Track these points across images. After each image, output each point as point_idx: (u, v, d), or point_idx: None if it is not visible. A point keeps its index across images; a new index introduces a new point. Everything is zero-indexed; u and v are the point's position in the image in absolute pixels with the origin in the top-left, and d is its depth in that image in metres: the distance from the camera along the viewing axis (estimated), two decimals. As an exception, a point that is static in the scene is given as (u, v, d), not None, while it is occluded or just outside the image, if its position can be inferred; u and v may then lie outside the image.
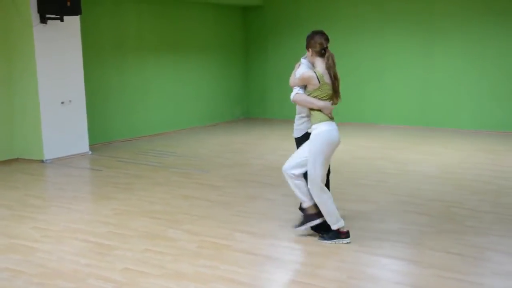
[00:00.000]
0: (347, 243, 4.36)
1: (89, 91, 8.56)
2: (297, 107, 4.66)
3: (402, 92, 10.82)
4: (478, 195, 5.81)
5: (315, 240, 4.46)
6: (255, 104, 12.19)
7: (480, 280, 3.70)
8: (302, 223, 4.55)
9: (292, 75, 4.58)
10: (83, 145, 8.31)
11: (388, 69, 10.92)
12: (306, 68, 4.49)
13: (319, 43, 4.37)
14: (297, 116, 4.73)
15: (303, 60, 4.62)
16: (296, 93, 4.47)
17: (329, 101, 4.42)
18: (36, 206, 5.61)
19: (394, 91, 10.90)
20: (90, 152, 8.38)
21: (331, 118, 4.46)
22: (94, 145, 8.79)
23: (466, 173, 6.84)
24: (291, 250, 4.31)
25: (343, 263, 3.99)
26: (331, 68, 4.39)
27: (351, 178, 6.64)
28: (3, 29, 7.66)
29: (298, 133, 4.75)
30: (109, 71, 9.35)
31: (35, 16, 7.48)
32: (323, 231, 4.48)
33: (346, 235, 4.40)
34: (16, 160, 7.90)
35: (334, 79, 4.42)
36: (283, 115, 11.87)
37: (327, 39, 4.42)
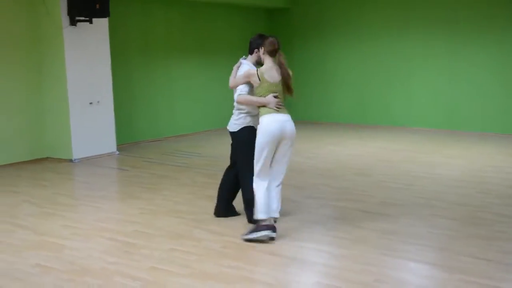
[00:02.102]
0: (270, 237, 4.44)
1: (116, 91, 8.69)
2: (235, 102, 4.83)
3: (429, 96, 10.71)
4: (505, 199, 5.72)
5: (341, 243, 4.45)
6: (280, 106, 12.22)
7: (509, 286, 3.64)
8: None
9: (232, 76, 4.78)
10: (111, 145, 8.44)
11: (414, 72, 10.82)
12: (248, 68, 4.73)
13: (271, 43, 4.62)
14: (235, 111, 4.89)
15: (243, 61, 4.86)
16: (239, 94, 4.69)
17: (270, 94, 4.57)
18: (64, 204, 5.72)
19: (421, 95, 10.79)
20: (117, 152, 8.50)
21: (279, 110, 4.56)
22: (121, 145, 8.92)
23: (492, 177, 6.73)
24: (317, 252, 4.30)
25: (369, 266, 3.96)
26: (281, 66, 4.62)
27: (378, 181, 6.59)
28: (34, 31, 7.84)
29: (234, 128, 4.90)
30: (136, 72, 9.47)
31: (65, 18, 7.63)
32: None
33: (267, 227, 4.45)
34: (46, 159, 8.07)
35: (287, 76, 4.62)
36: (308, 116, 11.85)
37: (278, 42, 4.67)
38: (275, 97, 4.54)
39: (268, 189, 4.52)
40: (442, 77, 10.53)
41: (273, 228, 4.47)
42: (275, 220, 4.59)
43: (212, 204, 5.54)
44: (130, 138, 9.36)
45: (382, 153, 8.43)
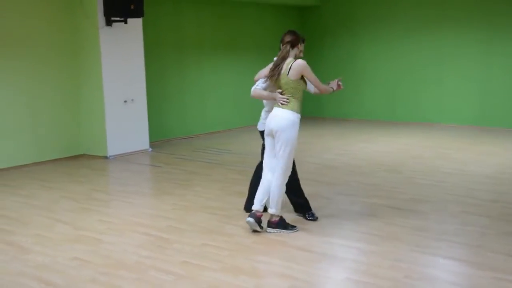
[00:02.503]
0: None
1: (149, 90, 8.85)
2: (264, 101, 4.92)
3: (461, 92, 10.56)
4: (541, 197, 5.63)
5: (371, 239, 4.47)
6: (310, 103, 12.18)
7: (542, 284, 3.61)
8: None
9: (263, 70, 4.80)
10: (144, 142, 8.61)
11: (447, 68, 10.67)
12: None
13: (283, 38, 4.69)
14: (263, 110, 5.00)
15: (275, 59, 4.80)
16: (254, 88, 4.78)
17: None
18: (100, 199, 5.89)
19: (453, 90, 10.65)
20: (150, 149, 8.67)
21: (281, 106, 4.59)
22: (153, 142, 9.09)
23: (529, 174, 6.62)
24: (346, 248, 4.33)
25: (399, 262, 3.97)
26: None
27: (409, 177, 6.57)
28: (72, 31, 8.06)
29: (262, 127, 4.97)
30: (169, 70, 9.63)
31: (101, 19, 7.82)
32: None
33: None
34: (82, 156, 8.29)
35: (271, 69, 4.65)
36: (339, 113, 11.83)
37: (291, 36, 4.68)
38: (280, 93, 4.59)
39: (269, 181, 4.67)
40: (474, 73, 10.36)
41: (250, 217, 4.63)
42: (256, 212, 4.65)
43: (242, 200, 5.62)
44: (162, 135, 9.53)
45: (413, 149, 8.37)
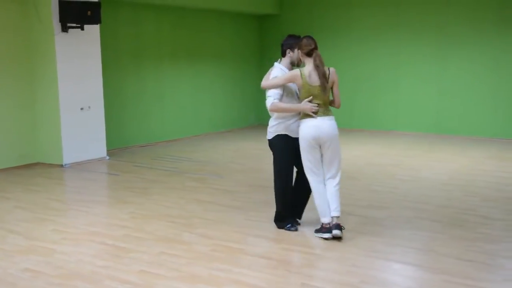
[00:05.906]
0: (326, 238, 4.63)
1: (107, 97, 8.73)
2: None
3: (417, 100, 10.84)
4: (489, 202, 5.83)
5: (327, 245, 4.53)
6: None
7: (492, 286, 3.74)
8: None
9: (265, 78, 4.75)
10: (101, 150, 8.48)
11: (402, 76, 10.95)
12: (279, 71, 4.73)
13: (306, 44, 4.62)
14: (271, 119, 4.90)
15: (275, 64, 4.86)
16: (272, 102, 4.63)
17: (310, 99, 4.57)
18: (55, 209, 5.76)
19: (409, 99, 10.93)
20: (108, 157, 8.54)
21: (314, 115, 4.56)
22: (111, 150, 8.96)
23: (478, 180, 6.85)
24: (304, 255, 4.37)
25: (355, 267, 4.04)
26: (318, 67, 4.56)
27: (365, 184, 6.69)
28: (26, 37, 7.87)
29: (268, 135, 4.93)
30: (127, 78, 9.52)
31: (56, 25, 7.67)
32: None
33: (327, 230, 4.62)
34: (37, 164, 8.09)
35: (323, 77, 4.56)
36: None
37: (314, 40, 4.65)
38: (310, 101, 4.54)
39: (323, 192, 4.64)
40: (429, 81, 10.66)
41: (330, 230, 4.59)
42: (337, 217, 4.64)
43: (201, 208, 5.62)
44: (120, 143, 9.40)
45: (369, 157, 8.54)
